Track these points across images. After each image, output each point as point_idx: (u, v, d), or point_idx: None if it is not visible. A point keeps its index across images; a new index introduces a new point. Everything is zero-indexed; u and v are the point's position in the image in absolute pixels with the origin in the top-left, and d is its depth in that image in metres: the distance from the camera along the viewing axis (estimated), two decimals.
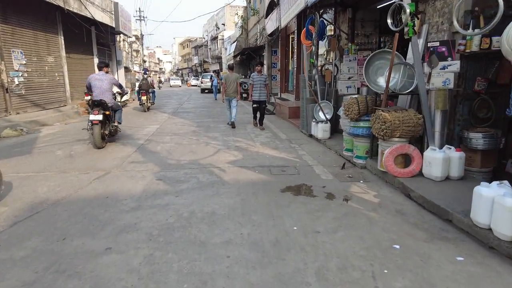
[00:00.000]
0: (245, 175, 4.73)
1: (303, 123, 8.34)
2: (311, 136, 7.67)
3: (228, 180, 4.52)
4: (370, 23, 7.76)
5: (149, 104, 13.83)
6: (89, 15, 13.17)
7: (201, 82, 29.82)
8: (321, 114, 7.35)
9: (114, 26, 16.19)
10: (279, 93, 17.09)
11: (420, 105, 4.79)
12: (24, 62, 10.43)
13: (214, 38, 44.41)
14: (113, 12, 15.95)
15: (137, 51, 41.98)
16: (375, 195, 3.94)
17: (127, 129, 9.10)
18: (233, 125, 9.26)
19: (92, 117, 6.27)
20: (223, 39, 37.75)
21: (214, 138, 7.68)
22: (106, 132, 6.66)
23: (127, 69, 27.50)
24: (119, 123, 7.43)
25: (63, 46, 12.72)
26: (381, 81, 4.65)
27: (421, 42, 4.86)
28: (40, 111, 11.01)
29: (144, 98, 13.35)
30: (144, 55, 70.09)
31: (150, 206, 3.64)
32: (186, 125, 9.84)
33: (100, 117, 6.28)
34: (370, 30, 7.76)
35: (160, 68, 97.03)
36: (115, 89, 7.62)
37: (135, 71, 33.20)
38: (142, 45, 34.15)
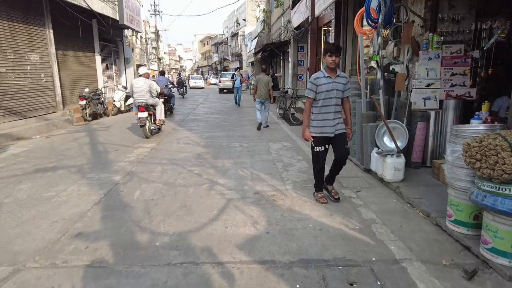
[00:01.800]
0: None
1: (353, 149, 5.79)
2: (368, 171, 5.13)
3: None
4: (463, 1, 5.11)
5: (185, 93, 22.26)
6: (84, 5, 11.05)
7: (219, 82, 27.53)
8: (386, 141, 4.79)
9: (118, 19, 14.05)
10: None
11: None
12: None
13: (235, 35, 41.99)
14: (116, 3, 13.79)
15: (156, 48, 40.19)
16: None
17: (113, 148, 6.86)
18: (259, 127, 9.13)
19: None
20: (243, 36, 35.31)
21: (225, 171, 5.26)
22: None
23: None
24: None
25: (53, 42, 10.63)
26: None
27: None
28: (17, 120, 8.98)
29: (182, 90, 21.49)
30: (165, 53, 68.62)
31: None
32: (191, 143, 7.48)
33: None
34: (463, 12, 5.10)
35: (181, 66, 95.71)
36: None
37: (152, 70, 31.14)
38: (157, 41, 32.19)
